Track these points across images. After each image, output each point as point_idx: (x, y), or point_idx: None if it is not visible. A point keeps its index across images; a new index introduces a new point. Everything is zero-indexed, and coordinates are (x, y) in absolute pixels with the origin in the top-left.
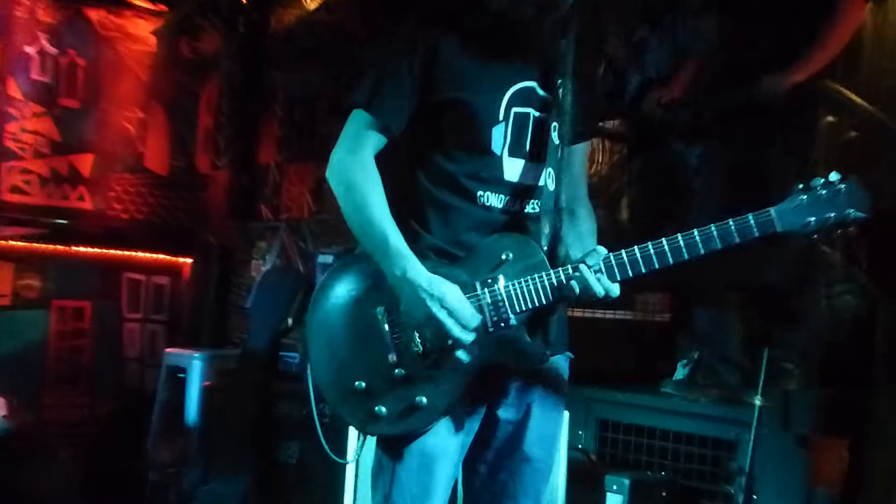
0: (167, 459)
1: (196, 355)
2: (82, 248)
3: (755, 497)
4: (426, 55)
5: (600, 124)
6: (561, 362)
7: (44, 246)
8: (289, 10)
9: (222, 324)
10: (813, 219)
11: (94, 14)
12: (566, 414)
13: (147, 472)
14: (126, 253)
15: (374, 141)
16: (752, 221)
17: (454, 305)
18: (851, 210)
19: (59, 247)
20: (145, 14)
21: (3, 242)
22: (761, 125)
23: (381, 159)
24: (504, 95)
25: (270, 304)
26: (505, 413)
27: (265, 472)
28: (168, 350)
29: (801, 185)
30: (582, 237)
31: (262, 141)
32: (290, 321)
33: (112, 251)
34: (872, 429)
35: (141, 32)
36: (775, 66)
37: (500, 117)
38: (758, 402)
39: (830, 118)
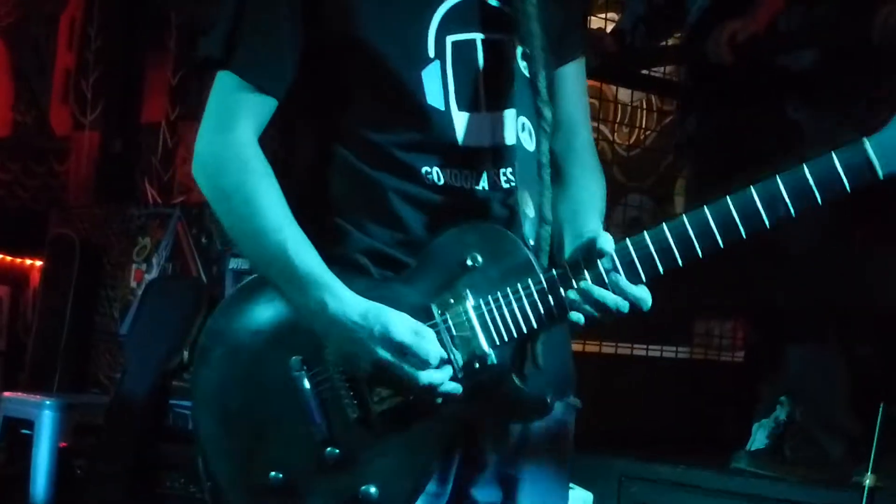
0: None
1: (47, 402)
2: None
3: None
4: None
5: (644, 72)
6: (562, 412)
7: None
8: None
9: (85, 357)
10: None
11: None
12: (586, 496)
13: None
14: None
15: (252, 113)
16: (836, 162)
17: (407, 339)
18: None
19: None
20: None
21: None
22: (880, 80)
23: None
24: (429, 20)
25: (157, 329)
26: (482, 494)
27: None
28: (6, 394)
29: None
30: (578, 214)
31: (149, 90)
32: (185, 355)
33: None
34: None
35: None
36: None
37: (430, 53)
38: (868, 482)
39: None
